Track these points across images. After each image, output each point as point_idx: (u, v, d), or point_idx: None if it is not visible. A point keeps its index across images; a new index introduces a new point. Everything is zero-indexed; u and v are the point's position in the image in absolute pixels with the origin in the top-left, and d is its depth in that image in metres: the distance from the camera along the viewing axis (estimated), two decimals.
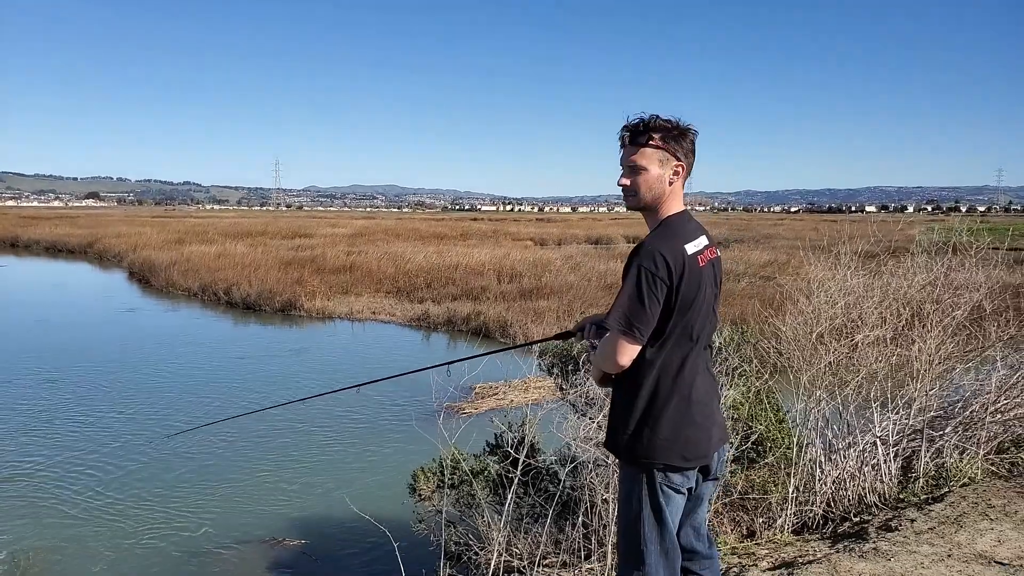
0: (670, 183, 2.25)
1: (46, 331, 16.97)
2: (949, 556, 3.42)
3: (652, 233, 2.26)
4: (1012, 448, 5.12)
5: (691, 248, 2.20)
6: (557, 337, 2.80)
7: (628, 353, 2.18)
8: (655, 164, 2.24)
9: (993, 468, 4.78)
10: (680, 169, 2.25)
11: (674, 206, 2.29)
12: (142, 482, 8.05)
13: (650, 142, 2.23)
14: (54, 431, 9.63)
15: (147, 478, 8.16)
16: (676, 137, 2.23)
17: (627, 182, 2.28)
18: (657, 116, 2.25)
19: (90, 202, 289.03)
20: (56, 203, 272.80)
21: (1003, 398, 5.11)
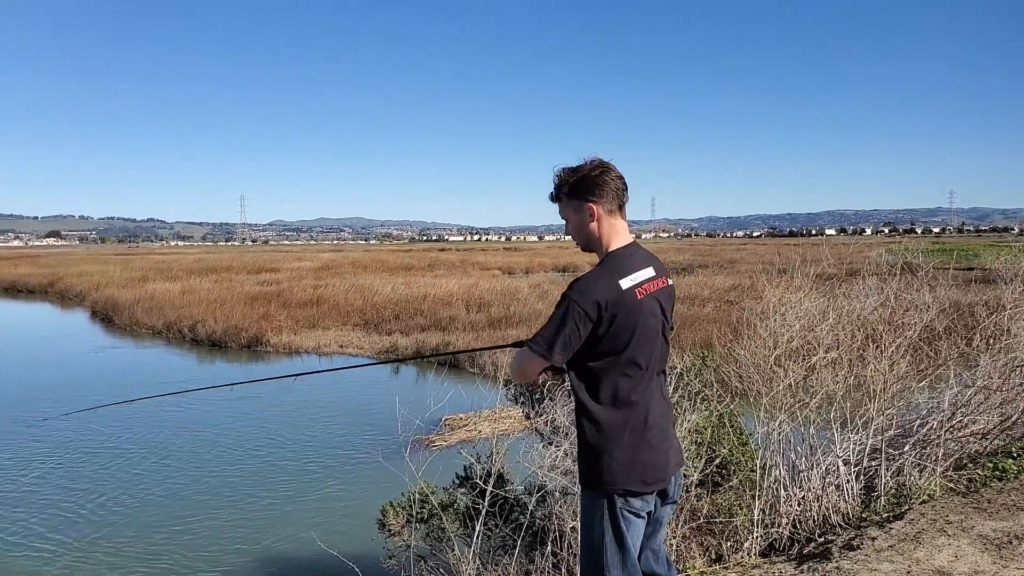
0: (590, 223, 2.38)
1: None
2: (908, 573, 3.49)
3: (594, 268, 2.37)
4: (969, 464, 5.25)
5: (627, 282, 2.28)
6: (513, 345, 2.85)
7: (535, 369, 2.33)
8: (572, 212, 2.42)
9: (951, 485, 4.88)
10: (592, 210, 2.36)
11: (616, 240, 2.39)
12: (97, 521, 7.83)
13: (561, 196, 2.42)
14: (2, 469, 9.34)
15: (103, 518, 7.94)
16: (578, 182, 2.37)
17: (567, 234, 2.49)
18: (562, 170, 2.41)
19: (51, 241, 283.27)
20: (16, 243, 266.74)
21: (958, 415, 5.25)
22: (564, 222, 2.46)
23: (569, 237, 2.47)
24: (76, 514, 8.16)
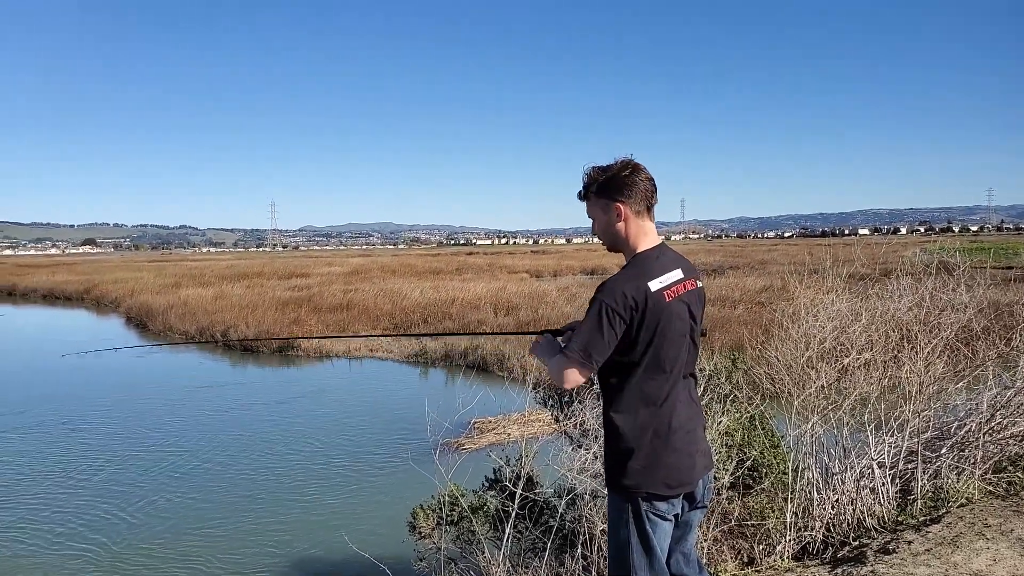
0: (617, 223, 2.37)
1: (40, 378, 16.93)
2: None
3: (621, 270, 2.36)
4: (1009, 467, 5.13)
5: (655, 285, 2.27)
6: (546, 332, 2.85)
7: (577, 379, 2.30)
8: (599, 212, 2.41)
9: (990, 488, 4.78)
10: (619, 209, 2.35)
11: (643, 241, 2.38)
12: (130, 522, 7.99)
13: (589, 195, 2.42)
14: (39, 473, 9.58)
15: (136, 519, 8.10)
16: (607, 182, 2.36)
17: (593, 233, 2.49)
18: (592, 168, 2.40)
19: (87, 249, 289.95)
20: (53, 251, 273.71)
21: (997, 416, 5.14)
22: (591, 221, 2.46)
23: (596, 237, 2.47)
24: (106, 515, 8.32)
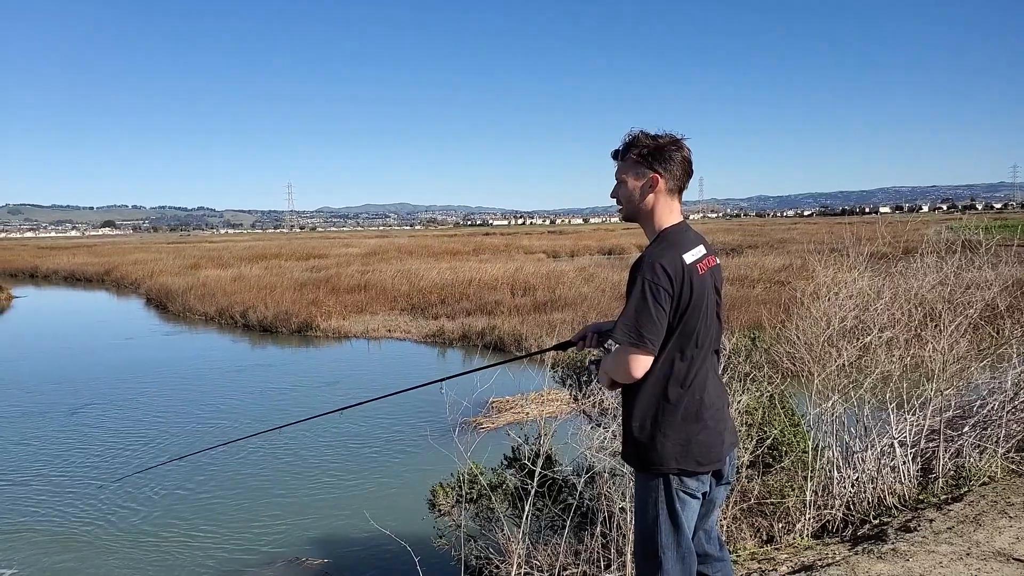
0: (647, 194, 2.34)
1: (67, 360, 17.21)
2: (968, 555, 3.41)
3: (650, 245, 2.34)
4: None
5: (689, 257, 2.26)
6: (557, 347, 2.81)
7: (641, 364, 2.23)
8: (631, 177, 2.36)
9: (1013, 466, 4.75)
10: (656, 180, 2.32)
11: (669, 218, 2.36)
12: (162, 502, 8.15)
13: (628, 156, 2.36)
14: (72, 453, 9.76)
15: (167, 499, 8.26)
16: (652, 151, 2.32)
17: (613, 195, 2.44)
18: (640, 132, 2.36)
19: (106, 230, 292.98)
20: (73, 233, 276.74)
21: (1020, 395, 5.09)
22: (616, 183, 2.40)
23: (615, 200, 2.43)
24: (130, 492, 8.48)
